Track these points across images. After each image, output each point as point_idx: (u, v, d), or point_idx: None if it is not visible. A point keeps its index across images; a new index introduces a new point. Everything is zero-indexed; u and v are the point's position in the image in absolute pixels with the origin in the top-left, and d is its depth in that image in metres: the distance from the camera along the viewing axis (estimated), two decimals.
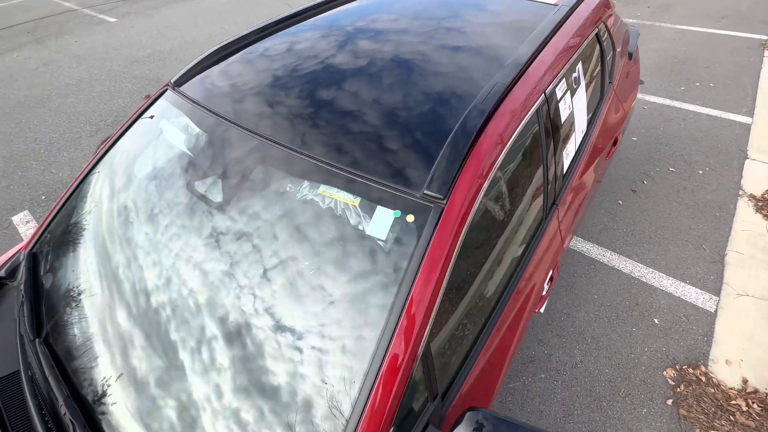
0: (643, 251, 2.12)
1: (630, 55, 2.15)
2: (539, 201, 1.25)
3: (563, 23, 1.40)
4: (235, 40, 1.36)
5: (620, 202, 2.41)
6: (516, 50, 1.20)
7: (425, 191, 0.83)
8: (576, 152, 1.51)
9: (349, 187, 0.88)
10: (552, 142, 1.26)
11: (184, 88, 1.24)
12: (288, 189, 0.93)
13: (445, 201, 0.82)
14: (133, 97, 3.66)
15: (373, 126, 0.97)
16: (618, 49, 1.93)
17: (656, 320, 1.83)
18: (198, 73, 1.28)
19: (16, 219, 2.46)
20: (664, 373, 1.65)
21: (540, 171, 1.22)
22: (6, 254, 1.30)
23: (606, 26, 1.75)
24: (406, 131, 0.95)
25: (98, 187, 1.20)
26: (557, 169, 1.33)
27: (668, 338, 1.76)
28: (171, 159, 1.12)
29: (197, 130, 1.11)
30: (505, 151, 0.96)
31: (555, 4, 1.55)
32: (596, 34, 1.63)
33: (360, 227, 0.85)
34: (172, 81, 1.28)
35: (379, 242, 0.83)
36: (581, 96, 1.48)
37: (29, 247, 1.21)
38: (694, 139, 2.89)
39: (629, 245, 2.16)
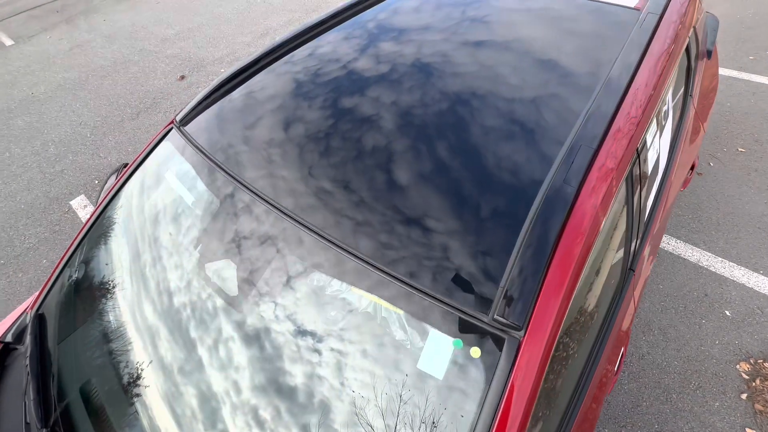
0: (711, 239, 2.02)
1: (709, 54, 1.79)
2: (616, 277, 1.02)
3: (652, 41, 1.10)
4: (250, 64, 1.17)
5: (682, 188, 2.28)
6: (596, 87, 0.97)
7: (495, 316, 0.62)
8: (653, 203, 1.25)
9: (385, 296, 0.68)
10: (637, 209, 1.04)
11: (190, 128, 1.07)
12: (315, 283, 0.76)
13: (523, 332, 0.61)
14: (168, 78, 3.64)
15: (421, 209, 0.75)
16: (700, 52, 1.64)
17: (728, 312, 1.76)
18: (204, 110, 1.09)
19: (74, 203, 2.54)
20: (738, 366, 1.60)
21: (621, 244, 0.99)
22: (12, 314, 1.19)
23: (696, 32, 1.44)
24: (466, 216, 0.72)
25: (108, 243, 1.07)
26: (638, 235, 1.10)
27: (741, 331, 1.70)
28: (181, 223, 0.96)
29: (205, 190, 0.95)
30: (594, 248, 0.74)
31: (636, 8, 1.25)
32: (686, 47, 1.32)
33: (407, 346, 0.66)
34: (177, 119, 1.12)
35: (432, 379, 0.63)
36: (668, 131, 1.24)
37: (35, 308, 1.08)
38: (765, 116, 2.67)
39: (695, 232, 2.06)
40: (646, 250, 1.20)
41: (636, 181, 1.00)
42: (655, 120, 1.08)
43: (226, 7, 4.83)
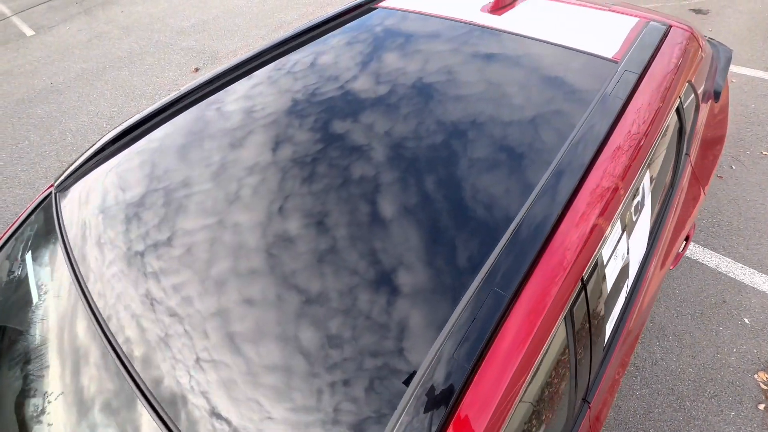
0: (731, 244, 1.96)
1: (716, 95, 1.47)
2: (564, 412, 0.81)
3: (626, 109, 0.88)
4: (149, 116, 1.02)
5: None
6: (535, 189, 0.74)
7: None
8: (623, 310, 1.00)
9: None
10: (596, 324, 0.84)
11: (63, 198, 0.93)
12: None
13: None
14: (183, 69, 3.67)
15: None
16: (702, 102, 1.33)
17: (746, 320, 1.71)
18: (82, 176, 0.94)
19: None
20: (756, 376, 1.56)
21: (572, 373, 0.80)
22: None
23: (692, 85, 1.17)
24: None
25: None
26: (591, 360, 0.86)
27: (760, 339, 1.65)
28: (27, 315, 0.83)
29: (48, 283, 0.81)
30: (528, 379, 0.61)
31: (613, 60, 1.01)
32: (677, 107, 1.07)
33: None
34: (56, 183, 0.99)
35: None
36: (644, 219, 0.99)
37: None
38: None
39: (715, 237, 2.00)
40: (609, 374, 0.95)
41: (581, 319, 0.77)
42: (619, 223, 0.84)
43: (241, 0, 4.84)
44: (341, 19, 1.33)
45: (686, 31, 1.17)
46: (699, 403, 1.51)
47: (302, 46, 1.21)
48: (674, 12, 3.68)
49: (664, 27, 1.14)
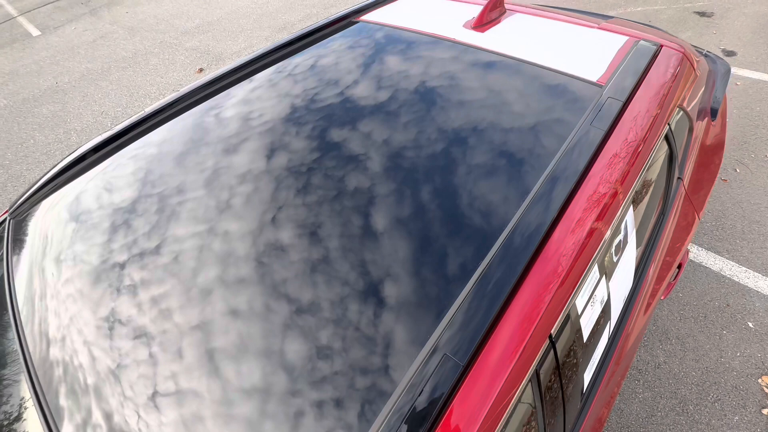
0: (735, 248, 1.95)
1: (713, 113, 1.40)
2: None
3: (607, 140, 0.82)
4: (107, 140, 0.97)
5: None
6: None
7: None
8: (604, 355, 0.92)
9: None
10: (570, 373, 0.77)
11: (23, 223, 0.90)
12: None
13: None
14: (187, 70, 3.69)
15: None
16: (697, 122, 1.25)
17: (750, 324, 1.70)
18: (40, 201, 0.91)
19: None
20: (760, 380, 1.55)
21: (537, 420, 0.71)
22: None
23: (683, 109, 1.11)
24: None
25: None
26: (565, 415, 0.78)
27: (764, 343, 1.64)
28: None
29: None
30: None
31: (598, 84, 0.95)
32: (666, 135, 1.00)
33: None
34: (11, 209, 0.96)
35: None
36: (629, 255, 0.92)
37: None
38: None
39: (719, 240, 1.99)
40: (593, 414, 0.88)
41: (551, 375, 0.70)
42: (604, 253, 0.77)
43: (245, 1, 4.86)
44: (323, 32, 1.28)
45: (678, 51, 1.11)
46: (702, 407, 1.50)
47: (282, 60, 1.17)
48: (679, 14, 3.67)
49: (654, 47, 1.08)
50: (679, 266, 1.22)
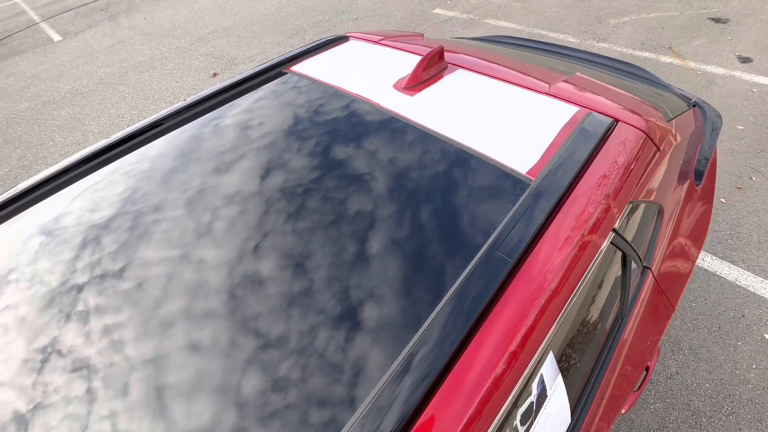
0: (750, 257, 1.91)
1: (698, 176, 1.18)
2: None
3: (524, 261, 0.65)
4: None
5: (723, 200, 2.17)
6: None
7: None
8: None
9: None
10: None
11: None
12: None
13: None
14: (202, 74, 3.77)
15: None
16: (669, 199, 1.06)
17: (767, 335, 1.66)
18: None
19: None
20: None
21: None
22: None
23: (642, 202, 0.92)
24: None
25: None
26: None
27: None
28: None
29: None
30: None
31: (527, 178, 0.78)
32: (612, 240, 0.80)
33: None
34: None
35: None
36: (560, 393, 0.73)
37: None
38: None
39: (733, 250, 1.95)
40: None
41: None
42: (519, 395, 0.61)
43: (259, 8, 4.96)
44: (249, 83, 1.19)
45: (638, 129, 0.91)
46: (716, 419, 1.47)
47: (206, 112, 1.11)
48: (693, 21, 3.63)
49: (606, 124, 0.89)
50: (647, 368, 1.03)
